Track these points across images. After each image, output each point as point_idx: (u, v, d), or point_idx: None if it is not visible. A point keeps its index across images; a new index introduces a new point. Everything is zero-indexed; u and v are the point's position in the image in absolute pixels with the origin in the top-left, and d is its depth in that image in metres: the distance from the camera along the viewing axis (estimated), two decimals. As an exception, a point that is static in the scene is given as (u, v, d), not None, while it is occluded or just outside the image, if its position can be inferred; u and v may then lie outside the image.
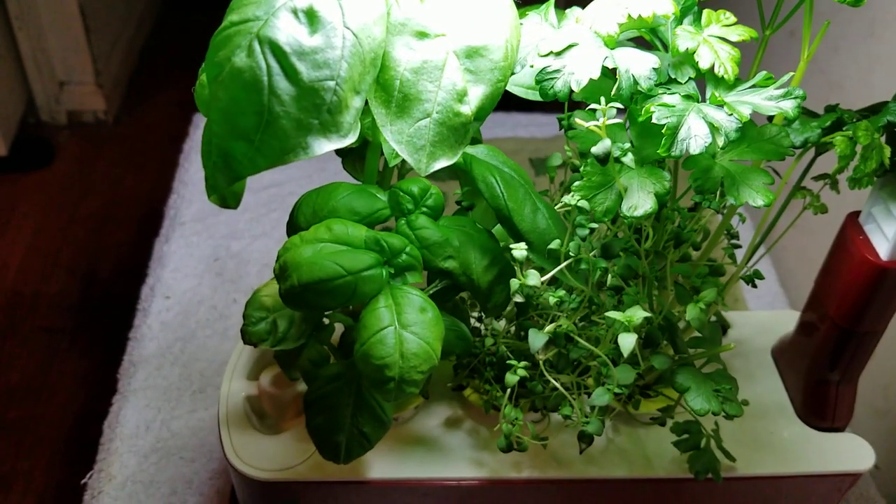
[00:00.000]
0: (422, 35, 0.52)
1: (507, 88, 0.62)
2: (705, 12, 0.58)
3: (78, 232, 1.62)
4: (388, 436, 0.73)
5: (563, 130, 0.59)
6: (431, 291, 0.67)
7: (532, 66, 0.54)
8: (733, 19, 0.58)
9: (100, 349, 1.39)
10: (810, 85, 1.13)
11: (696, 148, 0.52)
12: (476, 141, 0.68)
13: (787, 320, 0.81)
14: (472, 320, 0.75)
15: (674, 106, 0.53)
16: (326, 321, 0.69)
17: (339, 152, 0.69)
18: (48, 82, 1.78)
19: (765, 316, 0.87)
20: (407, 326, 0.58)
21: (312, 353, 0.68)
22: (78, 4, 1.69)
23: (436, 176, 0.65)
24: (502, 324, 0.74)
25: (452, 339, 0.68)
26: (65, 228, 1.63)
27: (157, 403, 0.93)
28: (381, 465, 0.72)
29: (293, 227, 0.64)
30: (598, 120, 0.53)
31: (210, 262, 1.09)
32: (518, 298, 0.59)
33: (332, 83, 0.47)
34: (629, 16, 0.54)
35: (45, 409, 1.32)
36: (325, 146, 0.48)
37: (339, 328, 0.71)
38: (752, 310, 1.08)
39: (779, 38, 1.15)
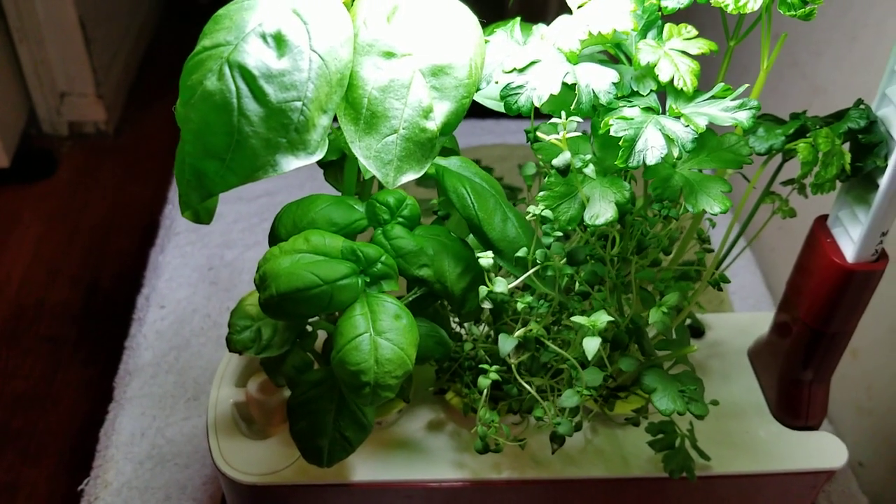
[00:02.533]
0: (389, 55, 0.54)
1: (480, 101, 0.64)
2: (667, 26, 0.60)
3: (80, 242, 1.65)
4: (371, 439, 0.75)
5: (529, 143, 0.61)
6: (410, 298, 0.69)
7: (497, 83, 0.57)
8: (694, 32, 0.60)
9: (103, 357, 1.41)
10: (794, 89, 1.14)
11: (652, 159, 0.54)
12: (451, 152, 0.70)
13: (763, 321, 0.83)
14: (455, 325, 0.77)
15: (632, 118, 0.55)
16: (310, 328, 0.71)
17: (320, 164, 0.72)
18: (49, 94, 1.81)
19: (742, 317, 0.89)
20: (382, 333, 0.60)
21: (296, 359, 0.71)
22: (78, 16, 1.71)
23: (424, 184, 0.67)
24: (484, 328, 0.77)
25: (431, 345, 0.70)
26: (67, 238, 1.65)
27: (153, 411, 0.96)
28: (366, 467, 0.74)
29: (274, 238, 0.67)
30: (559, 133, 0.55)
31: (204, 271, 1.11)
32: (486, 305, 0.61)
33: (299, 104, 0.49)
34: (590, 32, 0.56)
35: (50, 418, 1.33)
36: (293, 163, 0.50)
37: (322, 334, 0.73)
38: (737, 310, 1.10)
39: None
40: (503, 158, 1.27)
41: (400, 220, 0.65)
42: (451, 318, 0.76)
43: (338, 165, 0.70)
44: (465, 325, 0.77)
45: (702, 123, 0.55)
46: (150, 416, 0.95)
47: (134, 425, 0.94)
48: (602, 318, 0.58)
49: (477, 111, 0.66)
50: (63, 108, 1.83)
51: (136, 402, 0.96)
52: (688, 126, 0.55)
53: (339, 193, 0.70)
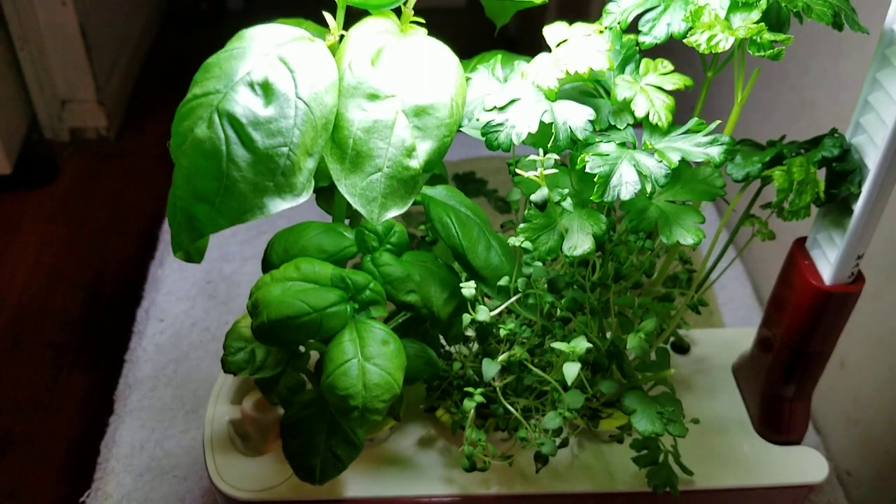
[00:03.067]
0: (373, 97, 0.56)
1: (466, 133, 0.66)
2: (644, 61, 0.62)
3: (82, 247, 1.67)
4: (363, 456, 0.77)
5: (511, 175, 0.63)
6: (399, 321, 0.71)
7: (478, 120, 0.58)
8: (670, 68, 0.62)
9: (103, 364, 1.43)
10: (783, 103, 1.16)
11: (626, 194, 0.55)
12: (439, 178, 0.72)
13: (748, 337, 0.84)
14: (445, 345, 0.79)
15: (608, 154, 0.57)
16: (302, 349, 0.73)
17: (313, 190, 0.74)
18: (50, 100, 1.83)
19: (727, 333, 0.91)
20: (370, 359, 0.62)
21: (289, 380, 0.73)
22: (78, 23, 1.73)
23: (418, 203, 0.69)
24: (474, 348, 0.78)
25: (421, 365, 0.72)
26: (69, 244, 1.67)
27: (152, 424, 0.98)
28: (357, 484, 0.76)
29: (267, 264, 0.69)
30: (537, 170, 0.57)
31: (203, 284, 1.13)
32: (469, 332, 0.63)
33: (285, 149, 0.52)
34: (567, 72, 0.58)
35: (52, 424, 1.35)
36: (280, 206, 0.53)
37: (315, 355, 0.75)
38: (727, 322, 1.12)
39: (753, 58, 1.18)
40: (497, 171, 1.29)
41: (388, 246, 0.67)
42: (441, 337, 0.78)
43: (329, 192, 0.72)
44: (455, 344, 0.79)
45: (675, 159, 0.57)
46: (150, 428, 0.97)
47: (133, 438, 0.96)
48: (581, 345, 0.60)
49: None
50: (64, 114, 1.85)
51: (135, 414, 0.98)
52: (661, 161, 0.57)
53: (331, 218, 0.72)
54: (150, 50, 2.18)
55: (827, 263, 0.70)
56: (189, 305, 1.10)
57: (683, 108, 0.66)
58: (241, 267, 1.16)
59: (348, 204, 0.71)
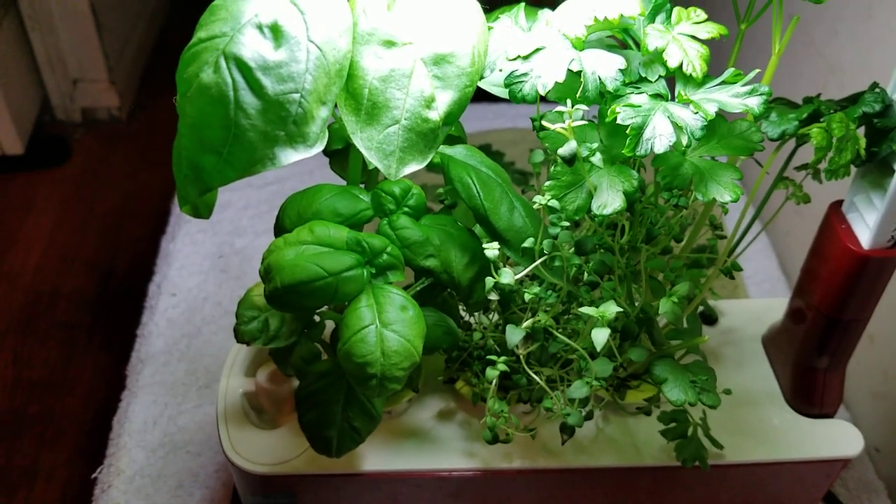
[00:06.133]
0: (389, 44, 0.53)
1: (485, 88, 0.63)
2: (676, 10, 0.59)
3: (95, 228, 1.65)
4: (381, 428, 0.75)
5: (535, 131, 0.60)
6: (417, 289, 0.68)
7: (501, 70, 0.56)
8: (703, 16, 0.59)
9: (117, 343, 1.42)
10: (809, 69, 1.12)
11: (660, 147, 0.52)
12: (458, 140, 0.69)
13: (778, 308, 0.82)
14: (464, 314, 0.76)
15: (640, 106, 0.54)
16: (317, 318, 0.71)
17: (325, 153, 0.71)
18: (62, 80, 1.81)
19: (756, 304, 0.88)
20: (388, 325, 0.60)
21: (304, 350, 0.70)
22: (89, 3, 1.71)
23: (434, 169, 0.66)
24: (493, 317, 0.76)
25: (440, 335, 0.69)
26: (82, 225, 1.66)
27: (164, 399, 0.96)
28: (375, 457, 0.73)
29: (279, 229, 0.66)
30: (565, 122, 0.54)
31: (215, 259, 1.11)
32: (493, 296, 0.60)
33: (296, 96, 0.49)
34: (596, 18, 0.55)
35: (66, 404, 1.34)
36: (292, 157, 0.50)
37: (330, 325, 0.72)
38: (752, 296, 1.09)
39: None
40: (514, 143, 1.26)
41: (406, 209, 0.65)
42: (461, 307, 0.75)
43: (343, 154, 0.69)
44: (475, 314, 0.76)
45: (711, 110, 0.54)
46: (163, 403, 0.95)
47: (146, 413, 0.94)
48: (611, 309, 0.57)
49: (488, 95, 0.65)
50: (76, 94, 1.83)
51: (148, 390, 0.97)
52: (697, 113, 0.54)
53: (345, 182, 0.70)
54: (161, 29, 2.16)
55: (865, 227, 0.67)
56: (201, 280, 1.08)
57: (715, 65, 0.63)
58: (253, 241, 1.14)
59: (364, 167, 0.69)
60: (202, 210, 0.58)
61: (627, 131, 0.53)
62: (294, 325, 0.69)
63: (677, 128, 0.53)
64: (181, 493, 0.88)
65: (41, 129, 1.81)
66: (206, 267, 1.10)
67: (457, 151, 0.64)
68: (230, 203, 1.22)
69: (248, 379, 0.78)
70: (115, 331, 1.44)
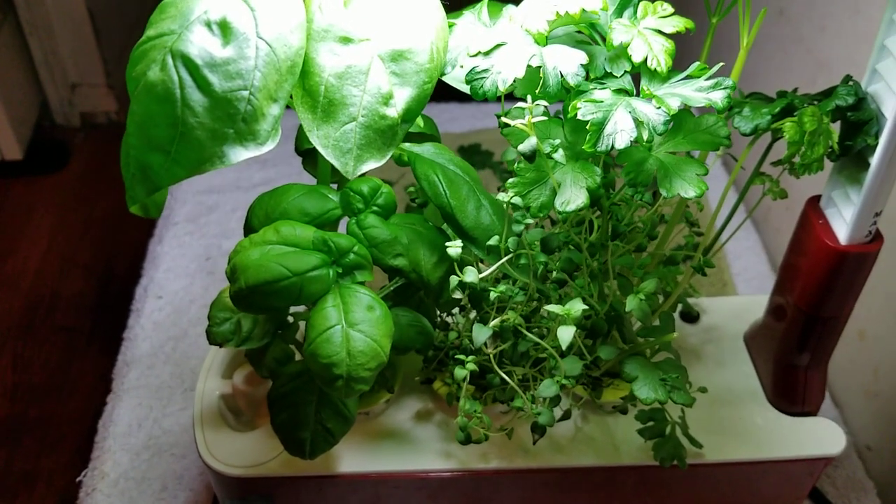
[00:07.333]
0: (346, 40, 0.52)
1: (451, 84, 0.63)
2: (642, 4, 0.58)
3: (94, 232, 1.65)
4: (358, 429, 0.74)
5: (500, 128, 0.59)
6: (391, 289, 0.68)
7: (462, 67, 0.55)
8: (670, 10, 0.58)
9: (116, 348, 1.42)
10: (798, 65, 1.11)
11: (621, 143, 0.52)
12: (431, 138, 0.69)
13: (760, 305, 0.81)
14: (441, 314, 0.76)
15: (602, 101, 0.53)
16: (291, 319, 0.71)
17: (298, 152, 0.71)
18: (61, 85, 1.82)
19: (738, 301, 0.87)
20: (354, 325, 0.59)
21: (277, 351, 0.70)
22: (87, 7, 1.72)
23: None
24: (471, 316, 0.75)
25: (413, 335, 0.69)
26: (82, 229, 1.66)
27: (150, 402, 0.96)
28: (352, 458, 0.73)
29: (248, 229, 0.66)
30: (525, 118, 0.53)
31: (202, 261, 1.11)
32: (458, 295, 0.59)
33: (245, 93, 0.48)
34: (558, 13, 0.54)
35: (66, 408, 1.34)
36: (242, 154, 0.49)
37: (304, 325, 0.72)
38: (741, 293, 1.08)
39: (768, 18, 1.14)
40: (503, 142, 1.25)
41: (375, 208, 0.64)
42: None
43: (314, 153, 0.69)
44: (452, 313, 0.75)
45: (674, 105, 0.53)
46: (147, 406, 0.95)
47: (131, 416, 0.94)
48: (576, 307, 0.57)
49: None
50: (75, 99, 1.83)
51: (133, 392, 0.96)
52: (660, 108, 0.53)
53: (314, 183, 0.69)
54: (161, 34, 2.16)
55: (843, 222, 0.66)
56: (188, 282, 1.08)
57: (687, 60, 0.62)
58: (242, 243, 1.14)
59: (333, 167, 0.68)
60: (151, 209, 0.58)
61: (588, 127, 0.52)
62: (267, 327, 0.69)
63: (639, 123, 0.52)
64: (165, 495, 0.88)
65: (40, 134, 1.81)
66: (192, 269, 1.10)
67: (425, 149, 0.64)
68: (217, 205, 1.22)
69: (226, 381, 0.78)
70: (115, 335, 1.45)
